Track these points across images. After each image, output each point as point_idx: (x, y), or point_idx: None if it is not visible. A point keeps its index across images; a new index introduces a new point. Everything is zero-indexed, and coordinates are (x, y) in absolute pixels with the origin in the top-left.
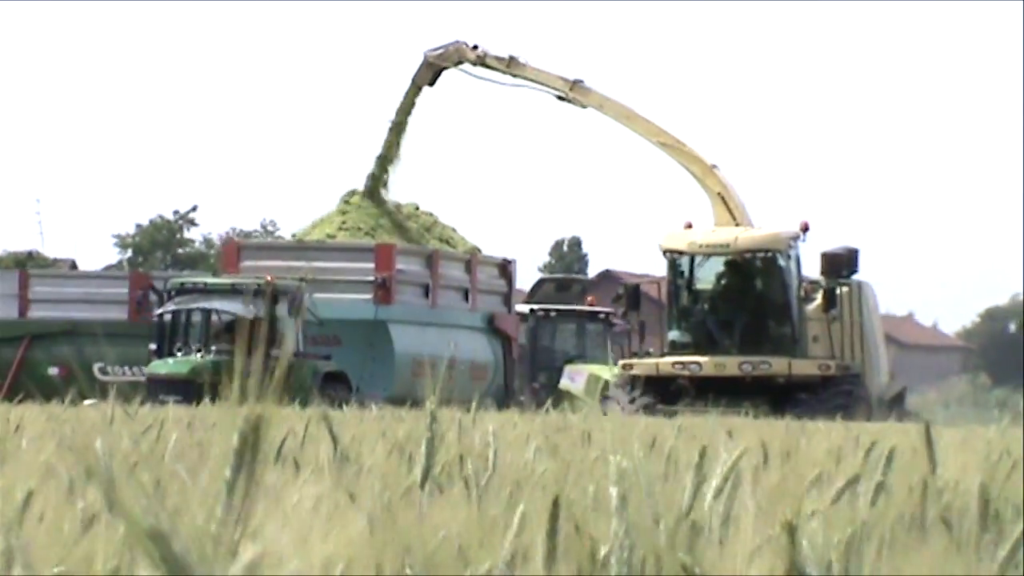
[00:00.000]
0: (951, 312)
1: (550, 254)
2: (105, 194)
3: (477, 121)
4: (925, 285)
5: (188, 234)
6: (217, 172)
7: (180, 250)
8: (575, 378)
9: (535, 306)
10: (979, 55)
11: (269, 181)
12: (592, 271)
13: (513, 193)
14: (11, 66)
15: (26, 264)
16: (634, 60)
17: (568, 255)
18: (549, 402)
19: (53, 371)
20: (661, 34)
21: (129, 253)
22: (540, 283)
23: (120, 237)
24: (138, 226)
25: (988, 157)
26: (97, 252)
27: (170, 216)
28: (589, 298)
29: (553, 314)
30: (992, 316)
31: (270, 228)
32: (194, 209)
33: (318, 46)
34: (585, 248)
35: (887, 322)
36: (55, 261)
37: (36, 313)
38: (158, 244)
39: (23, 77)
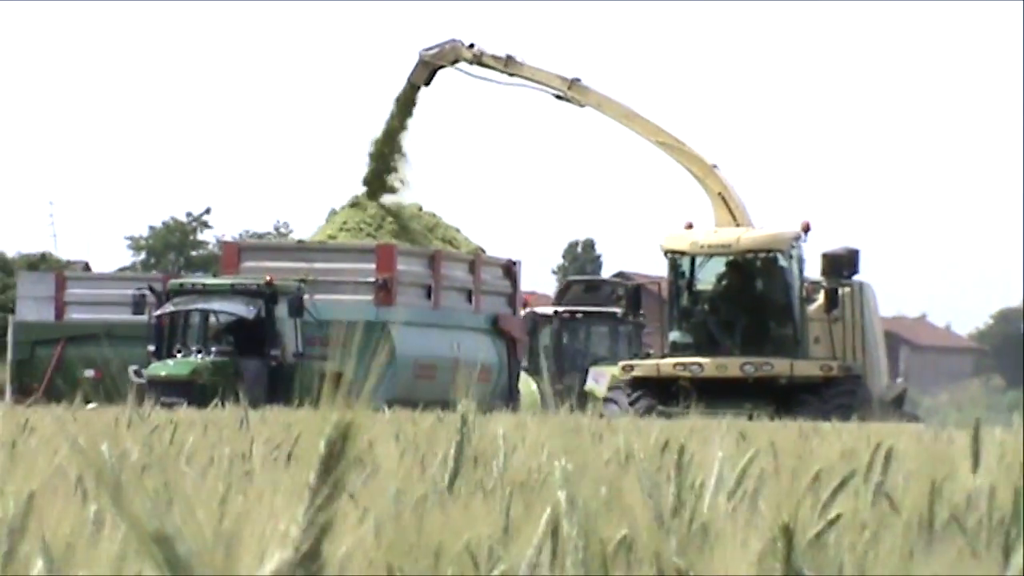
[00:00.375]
0: (965, 314)
1: (563, 256)
2: (118, 196)
3: (490, 124)
4: (939, 286)
5: (201, 236)
6: (230, 174)
7: (193, 252)
8: (599, 379)
9: (559, 308)
10: (980, 55)
11: (282, 183)
12: (606, 272)
13: (526, 196)
14: (24, 68)
15: (39, 266)
16: (634, 60)
17: (582, 256)
18: (565, 404)
19: (88, 373)
20: (661, 34)
21: (142, 255)
22: (569, 285)
23: (133, 239)
24: (151, 228)
25: (1003, 157)
26: (110, 254)
27: (183, 218)
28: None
29: (579, 315)
30: (1006, 318)
31: (283, 230)
32: (207, 211)
33: (329, 47)
34: (599, 250)
35: (900, 323)
36: (68, 263)
37: (72, 315)
38: (171, 246)
39: (36, 79)
